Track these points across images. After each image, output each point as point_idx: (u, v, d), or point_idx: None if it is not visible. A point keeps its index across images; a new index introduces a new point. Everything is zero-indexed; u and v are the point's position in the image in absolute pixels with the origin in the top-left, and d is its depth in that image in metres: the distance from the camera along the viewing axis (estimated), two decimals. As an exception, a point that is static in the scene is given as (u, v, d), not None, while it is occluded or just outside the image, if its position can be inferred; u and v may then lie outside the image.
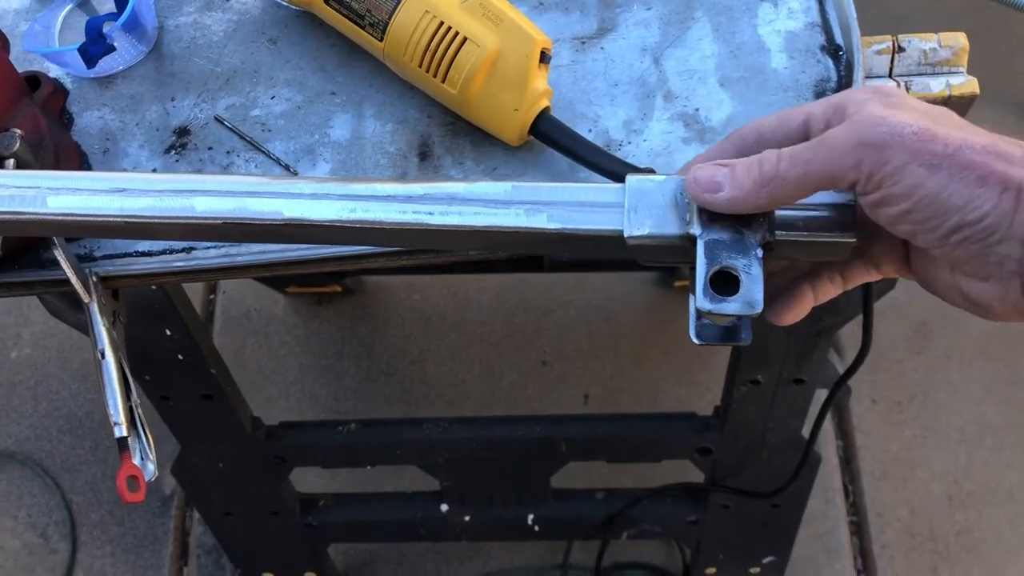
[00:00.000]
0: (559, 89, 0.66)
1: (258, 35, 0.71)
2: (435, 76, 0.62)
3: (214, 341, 1.57)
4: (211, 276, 0.65)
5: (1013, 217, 0.41)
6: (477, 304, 1.56)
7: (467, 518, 1.20)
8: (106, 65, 0.68)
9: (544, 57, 0.62)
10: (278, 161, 0.66)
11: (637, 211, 0.45)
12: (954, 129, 0.43)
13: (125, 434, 0.59)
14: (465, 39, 0.61)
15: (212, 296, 1.61)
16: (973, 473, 1.42)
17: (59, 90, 0.68)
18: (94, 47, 0.64)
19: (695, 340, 0.47)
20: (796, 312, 0.51)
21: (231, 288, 1.60)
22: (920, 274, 0.49)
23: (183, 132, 0.67)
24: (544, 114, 0.62)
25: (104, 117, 0.68)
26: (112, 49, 0.65)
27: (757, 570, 1.28)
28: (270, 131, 0.67)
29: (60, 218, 0.46)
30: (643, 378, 1.50)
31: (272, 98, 0.68)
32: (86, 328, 0.63)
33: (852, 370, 0.91)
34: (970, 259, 0.42)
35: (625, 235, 0.44)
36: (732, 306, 0.43)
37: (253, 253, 0.62)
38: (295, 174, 0.65)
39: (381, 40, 0.64)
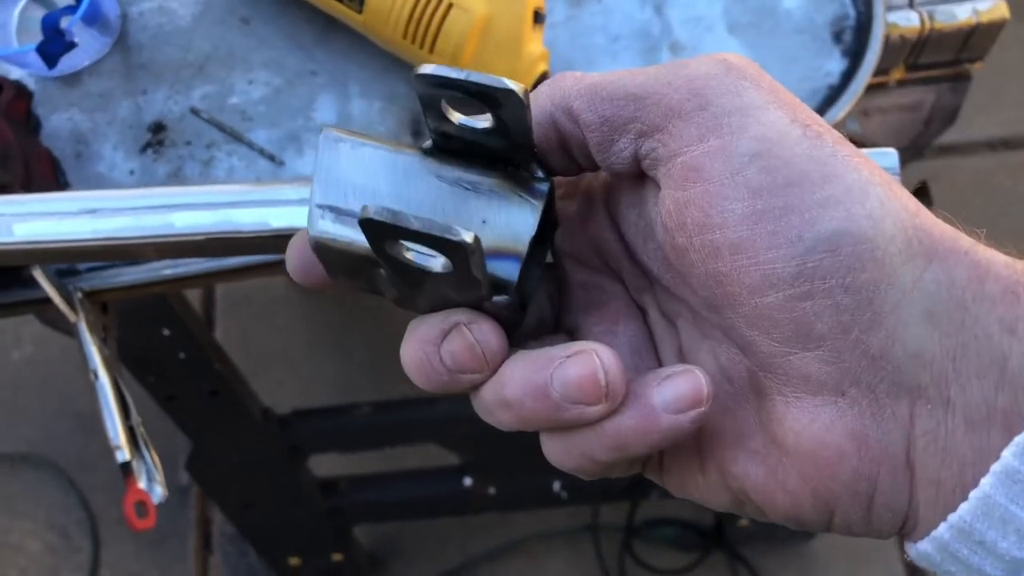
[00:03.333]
0: (556, 49, 0.62)
1: (228, 16, 0.66)
2: (421, 47, 0.58)
3: (217, 327, 1.55)
4: (203, 282, 0.61)
5: None
6: (483, 267, 1.52)
7: (492, 490, 1.18)
8: (70, 62, 0.63)
9: (538, 17, 0.57)
10: (262, 152, 0.61)
11: (327, 183, 0.28)
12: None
13: (128, 458, 0.56)
14: (451, 5, 0.56)
15: (212, 280, 1.57)
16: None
17: (22, 93, 0.63)
18: (53, 45, 0.59)
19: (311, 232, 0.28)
20: None
21: (230, 271, 1.56)
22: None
23: (158, 128, 0.63)
24: (543, 79, 0.58)
25: (73, 118, 0.64)
26: (73, 45, 0.60)
27: (790, 517, 1.26)
28: (251, 119, 0.63)
29: (29, 246, 0.42)
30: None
31: (250, 83, 0.64)
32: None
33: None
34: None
35: (309, 232, 0.28)
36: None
37: (244, 254, 0.58)
38: (281, 164, 0.61)
39: (360, 12, 0.59)
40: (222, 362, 0.93)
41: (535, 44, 0.58)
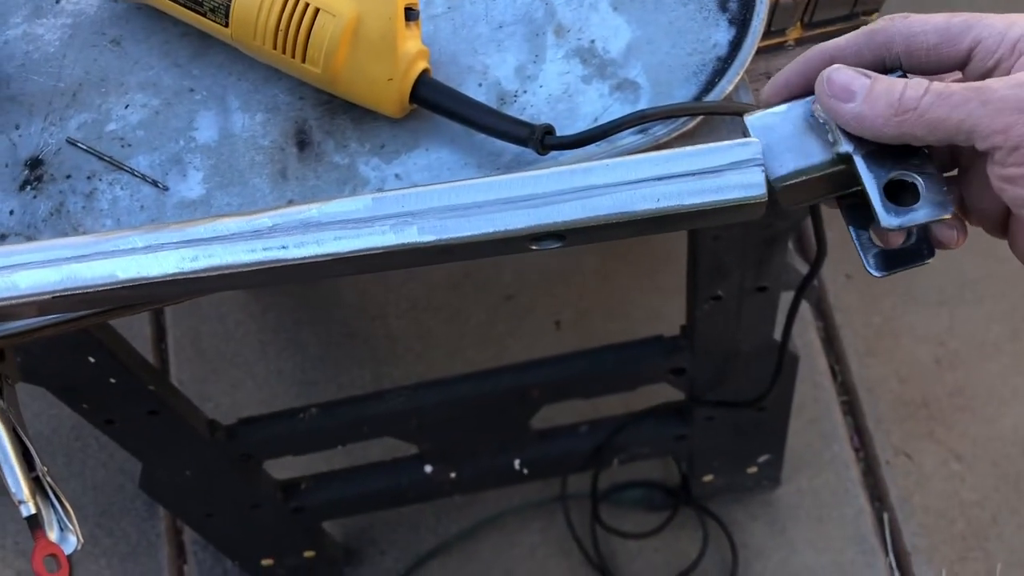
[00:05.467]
0: (439, 42, 0.59)
1: (98, 37, 0.63)
2: (293, 56, 0.56)
3: (168, 335, 1.53)
4: (101, 318, 0.59)
5: None
6: (430, 248, 1.50)
7: (453, 475, 1.17)
8: (-66, 102, 0.60)
9: (411, 14, 0.55)
10: (144, 178, 0.59)
11: (772, 150, 0.40)
12: None
13: (34, 511, 0.54)
14: (317, 10, 0.54)
15: (157, 287, 1.55)
16: (957, 331, 1.40)
17: None
18: (-93, 90, 0.56)
19: (875, 273, 0.42)
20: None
21: (175, 276, 1.53)
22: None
23: (36, 163, 0.60)
24: (423, 78, 0.56)
25: (-55, 161, 0.61)
26: (-70, 87, 0.58)
27: (754, 470, 1.27)
28: (130, 146, 0.60)
29: None
30: (611, 294, 1.46)
31: (126, 107, 0.61)
32: None
33: (813, 272, 0.86)
34: None
35: (770, 179, 0.39)
36: (920, 213, 0.38)
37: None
38: (165, 189, 0.59)
39: (226, 25, 0.56)
40: (156, 382, 0.91)
41: (412, 42, 0.55)
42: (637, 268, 1.45)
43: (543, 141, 0.53)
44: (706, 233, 0.83)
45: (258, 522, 1.17)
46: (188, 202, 0.58)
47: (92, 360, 0.84)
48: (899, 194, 0.39)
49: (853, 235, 0.42)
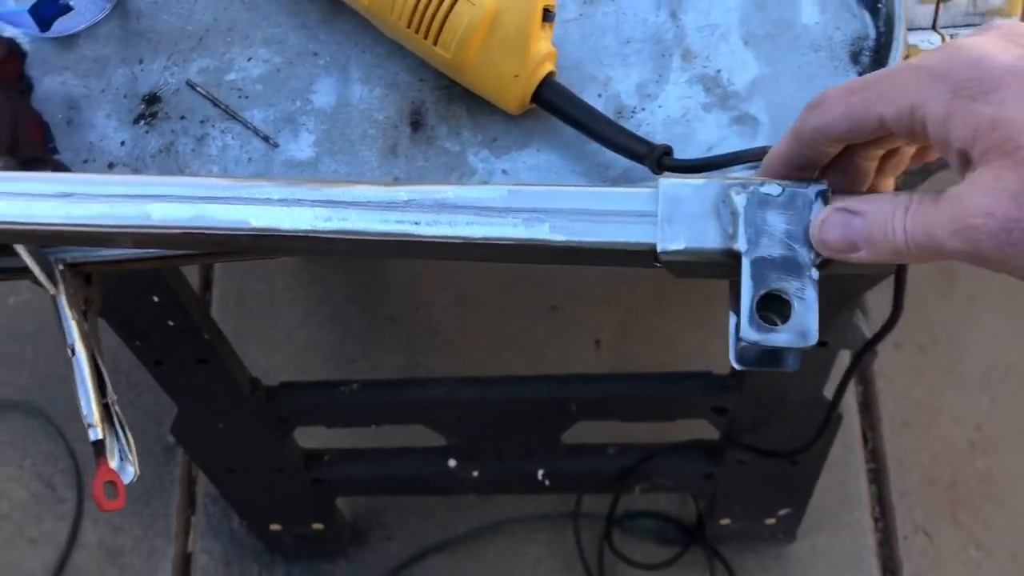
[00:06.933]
0: (565, 47, 0.60)
1: (232, -13, 0.64)
2: (426, 38, 0.56)
3: (215, 288, 1.54)
4: (193, 261, 0.60)
5: None
6: (485, 246, 1.50)
7: (475, 473, 1.17)
8: (66, 24, 0.62)
9: (547, 15, 0.55)
10: (256, 131, 0.60)
11: (672, 221, 0.40)
12: None
13: (101, 436, 0.55)
14: (459, -4, 0.55)
15: (212, 239, 1.56)
16: (996, 418, 1.38)
17: (15, 53, 0.62)
18: (47, 8, 0.57)
19: (735, 364, 0.42)
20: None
21: (231, 231, 1.55)
22: None
23: (153, 99, 0.61)
24: (547, 80, 0.56)
25: (67, 83, 0.62)
26: (68, 9, 0.59)
27: (773, 521, 1.26)
28: (247, 98, 0.61)
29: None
30: (658, 321, 1.45)
31: (249, 60, 0.62)
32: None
33: (880, 336, 0.85)
34: None
35: (658, 249, 0.40)
36: (781, 337, 0.38)
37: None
38: (275, 146, 0.59)
39: (365, -3, 0.57)
40: (212, 332, 0.92)
41: (543, 43, 0.56)
42: (691, 298, 1.45)
43: (660, 161, 0.53)
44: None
45: (277, 486, 1.18)
46: (296, 162, 0.59)
47: (156, 299, 0.84)
48: (774, 305, 0.39)
49: (731, 320, 0.42)
